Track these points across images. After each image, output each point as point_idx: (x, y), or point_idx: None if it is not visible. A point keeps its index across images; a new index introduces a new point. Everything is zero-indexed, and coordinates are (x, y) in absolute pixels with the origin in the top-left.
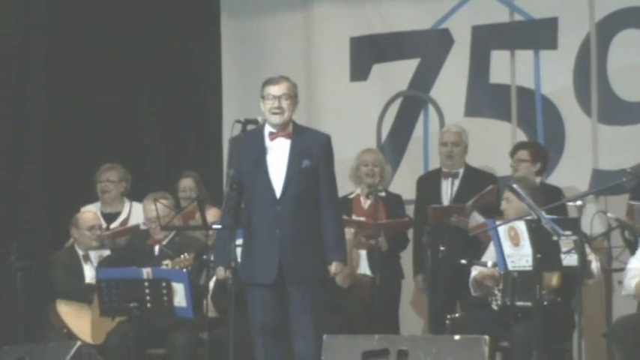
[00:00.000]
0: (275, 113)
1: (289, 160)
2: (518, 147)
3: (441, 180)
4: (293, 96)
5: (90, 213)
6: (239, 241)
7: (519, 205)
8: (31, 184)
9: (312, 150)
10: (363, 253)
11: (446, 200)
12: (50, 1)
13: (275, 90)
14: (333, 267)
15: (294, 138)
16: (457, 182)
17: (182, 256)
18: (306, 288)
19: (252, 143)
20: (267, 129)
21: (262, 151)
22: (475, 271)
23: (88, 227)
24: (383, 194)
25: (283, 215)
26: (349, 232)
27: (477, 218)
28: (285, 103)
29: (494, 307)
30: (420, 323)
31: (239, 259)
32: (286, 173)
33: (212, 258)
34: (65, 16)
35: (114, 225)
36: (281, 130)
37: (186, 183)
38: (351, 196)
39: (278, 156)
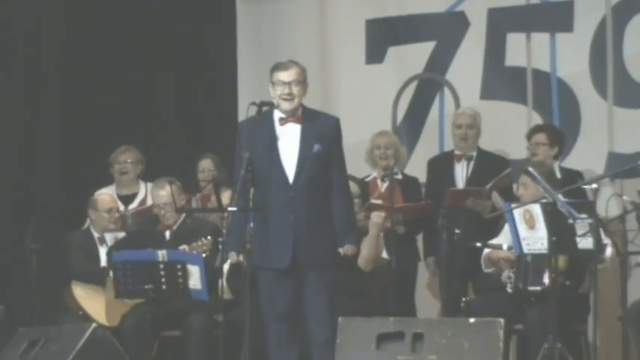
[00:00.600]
0: (285, 99)
1: (301, 145)
2: (535, 130)
3: (454, 162)
4: (302, 81)
5: (107, 195)
6: (251, 224)
7: (536, 191)
8: (47, 166)
9: (323, 134)
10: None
11: (460, 183)
12: None
13: (285, 76)
14: (346, 249)
15: (305, 123)
16: (471, 165)
17: (201, 240)
18: (321, 271)
19: (262, 128)
20: (277, 114)
21: (273, 137)
22: (488, 249)
23: (106, 209)
24: (399, 177)
25: (296, 200)
26: (379, 217)
27: (498, 200)
28: (295, 89)
29: (509, 289)
30: (436, 306)
31: None
32: (298, 158)
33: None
34: None
35: (132, 206)
36: (291, 115)
37: (205, 164)
38: (368, 179)
39: (289, 141)
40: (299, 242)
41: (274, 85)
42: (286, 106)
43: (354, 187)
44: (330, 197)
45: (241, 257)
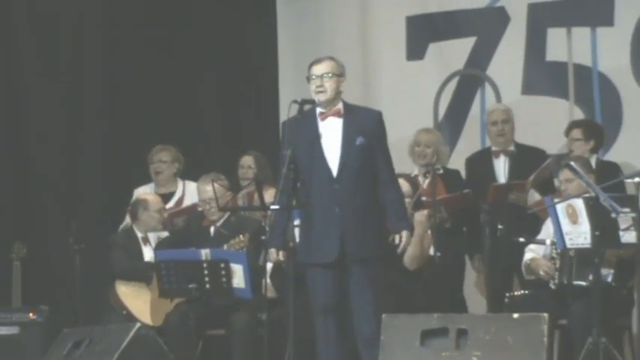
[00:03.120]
0: (318, 92)
1: (343, 138)
2: (571, 126)
3: (493, 159)
4: (337, 74)
5: (154, 195)
6: (296, 222)
7: (578, 186)
8: (89, 166)
9: (365, 127)
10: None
11: (502, 179)
12: None
13: (317, 69)
14: (404, 236)
15: (346, 116)
16: (510, 160)
17: (237, 237)
18: (367, 265)
19: (305, 125)
20: (318, 110)
21: (316, 132)
22: (529, 256)
23: (157, 209)
24: (441, 172)
25: (341, 193)
26: (423, 215)
27: (534, 195)
28: (327, 82)
29: (552, 286)
30: (484, 303)
31: (297, 240)
32: (341, 151)
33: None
34: None
35: (169, 205)
36: (329, 108)
37: (245, 161)
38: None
39: (332, 135)
40: (345, 236)
41: (310, 80)
42: (320, 97)
43: (405, 186)
44: (374, 190)
45: (281, 255)
